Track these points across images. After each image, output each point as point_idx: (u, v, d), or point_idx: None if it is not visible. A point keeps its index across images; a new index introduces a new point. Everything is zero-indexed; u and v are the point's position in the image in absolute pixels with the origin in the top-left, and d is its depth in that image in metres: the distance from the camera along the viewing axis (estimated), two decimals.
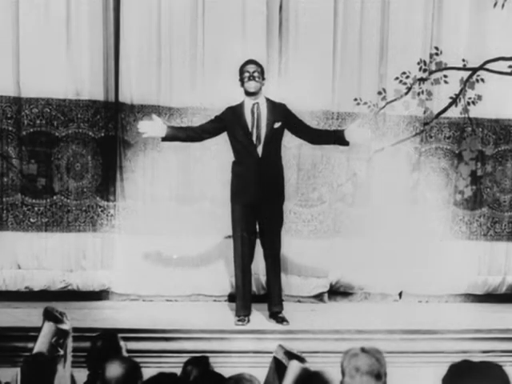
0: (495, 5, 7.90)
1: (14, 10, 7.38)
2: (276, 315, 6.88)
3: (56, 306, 5.27)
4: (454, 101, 7.94)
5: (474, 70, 7.92)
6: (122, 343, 4.81)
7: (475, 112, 7.98)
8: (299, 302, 7.59)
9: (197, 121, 7.18)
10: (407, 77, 7.85)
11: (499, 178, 8.07)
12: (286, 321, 6.84)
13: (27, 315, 6.14)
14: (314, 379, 4.26)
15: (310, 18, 7.72)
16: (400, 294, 7.95)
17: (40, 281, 7.47)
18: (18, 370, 4.51)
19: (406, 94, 7.87)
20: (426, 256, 7.75)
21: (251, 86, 6.77)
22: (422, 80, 7.88)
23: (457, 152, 7.99)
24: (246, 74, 6.79)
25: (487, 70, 7.93)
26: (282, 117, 6.81)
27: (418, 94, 7.89)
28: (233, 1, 7.64)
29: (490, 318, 7.37)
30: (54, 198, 7.56)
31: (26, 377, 4.42)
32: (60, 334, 5.01)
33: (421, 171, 7.92)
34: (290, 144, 7.17)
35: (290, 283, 7.49)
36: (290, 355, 4.55)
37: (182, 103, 7.57)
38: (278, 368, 4.61)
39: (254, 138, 6.74)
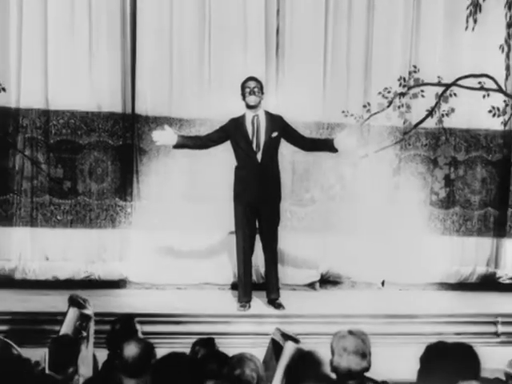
0: (466, 28, 7.89)
1: (43, 32, 7.37)
2: (273, 301, 6.90)
3: (79, 293, 5.31)
4: (430, 113, 7.94)
5: (448, 86, 7.92)
6: (137, 326, 4.81)
7: (449, 123, 7.98)
8: (294, 289, 7.58)
9: (204, 130, 7.16)
10: (389, 92, 7.85)
11: (470, 180, 8.07)
12: (283, 306, 6.86)
13: (54, 302, 6.14)
14: (306, 358, 4.26)
15: (303, 39, 7.76)
16: (383, 283, 7.94)
17: (65, 271, 7.48)
18: (46, 349, 4.50)
19: (388, 107, 7.86)
20: (406, 249, 7.75)
21: (252, 100, 6.77)
22: (401, 94, 7.88)
23: (432, 158, 8.00)
24: (247, 90, 6.79)
25: (459, 85, 7.92)
26: (279, 127, 6.81)
27: (399, 106, 7.88)
28: (236, 26, 7.64)
29: (462, 304, 7.39)
30: (78, 198, 7.56)
31: (53, 356, 4.41)
32: (83, 319, 5.01)
33: (401, 175, 7.93)
34: (286, 151, 7.14)
35: (286, 273, 7.46)
36: (286, 337, 4.55)
37: (190, 115, 7.57)
38: (275, 348, 4.61)
39: (254, 146, 6.75)
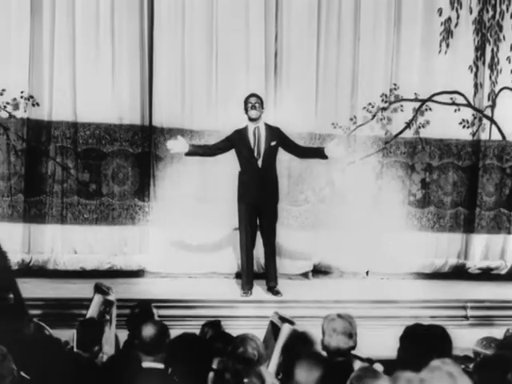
0: (440, 51, 7.89)
1: (72, 53, 7.37)
2: (272, 289, 6.89)
3: (103, 282, 5.33)
4: (408, 125, 7.94)
5: (424, 101, 7.92)
6: (154, 310, 4.81)
7: (424, 133, 7.97)
8: (290, 278, 7.55)
9: (212, 140, 7.14)
10: (372, 107, 7.84)
11: (443, 183, 8.05)
12: (280, 293, 6.85)
13: (81, 289, 6.14)
14: (301, 338, 4.27)
15: (298, 61, 7.74)
16: (367, 273, 7.91)
17: (91, 263, 7.46)
18: (75, 331, 4.51)
19: (372, 119, 7.85)
20: (387, 243, 7.74)
21: (253, 113, 6.78)
22: (383, 109, 7.87)
23: (410, 164, 7.98)
24: (249, 105, 6.80)
25: (434, 101, 7.93)
26: (277, 137, 6.81)
27: (381, 119, 7.88)
28: (239, 48, 7.63)
29: (436, 291, 7.39)
30: (102, 199, 7.55)
31: (81, 336, 4.42)
32: (107, 304, 5.02)
33: (383, 179, 7.91)
34: (283, 158, 7.13)
35: (283, 264, 7.44)
36: (283, 319, 4.56)
37: (200, 126, 7.55)
38: (274, 329, 4.61)
39: (255, 154, 6.74)
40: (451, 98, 7.96)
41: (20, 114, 7.32)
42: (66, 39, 7.39)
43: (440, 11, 7.89)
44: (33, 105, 7.36)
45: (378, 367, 3.55)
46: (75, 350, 4.36)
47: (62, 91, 7.41)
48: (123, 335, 4.74)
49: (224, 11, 7.60)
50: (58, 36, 7.37)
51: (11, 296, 5.18)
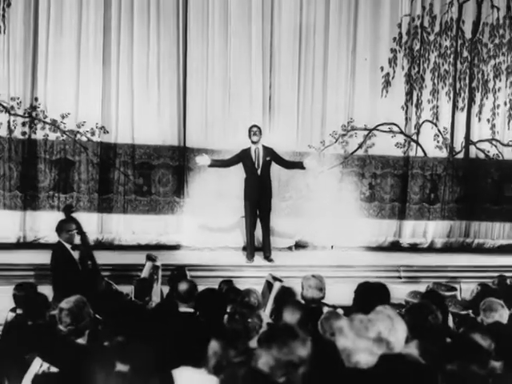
0: (381, 95, 7.88)
1: (130, 96, 7.33)
2: (267, 257, 6.89)
3: (152, 253, 5.32)
4: (360, 146, 7.92)
5: (370, 130, 7.91)
6: (186, 272, 4.81)
7: (371, 152, 7.93)
8: (279, 250, 7.49)
9: (226, 156, 7.10)
10: (335, 133, 7.82)
11: (383, 186, 8.03)
12: (273, 260, 6.85)
13: (138, 258, 6.12)
14: (287, 291, 4.27)
15: (284, 102, 7.70)
16: (332, 247, 7.87)
17: (144, 240, 7.45)
18: (133, 286, 4.51)
19: (335, 142, 7.83)
20: (346, 226, 7.70)
21: (254, 138, 6.79)
22: (343, 135, 7.86)
23: (361, 172, 7.95)
24: (252, 132, 6.82)
25: (377, 129, 7.91)
26: (270, 154, 6.82)
27: (341, 142, 7.86)
28: (245, 92, 7.57)
29: (380, 259, 7.36)
30: (152, 196, 7.54)
31: (137, 290, 4.42)
32: (155, 268, 5.03)
33: (343, 182, 7.88)
34: (275, 168, 7.10)
35: (275, 240, 7.38)
36: (275, 279, 4.57)
37: (218, 147, 7.51)
38: (268, 285, 4.62)
39: (256, 166, 6.77)
40: (389, 128, 7.94)
41: (95, 138, 7.31)
42: (127, 86, 7.37)
43: (382, 68, 7.87)
44: (104, 132, 7.35)
45: (340, 311, 3.57)
46: (133, 299, 4.37)
47: (123, 123, 7.41)
48: (166, 289, 4.75)
49: (235, 63, 7.55)
50: (121, 84, 7.36)
51: (89, 263, 5.20)
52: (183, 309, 3.72)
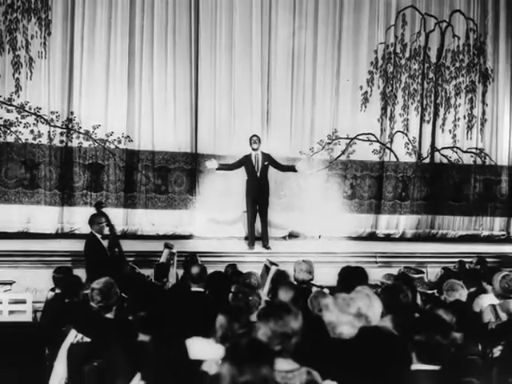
0: (361, 110, 7.86)
1: (150, 110, 7.30)
2: (265, 245, 6.85)
3: (169, 241, 5.31)
4: (343, 152, 7.89)
5: (352, 139, 7.88)
6: (198, 258, 4.81)
7: (352, 157, 7.89)
8: (275, 239, 7.44)
9: (231, 161, 7.06)
10: (322, 142, 7.79)
11: (362, 186, 8.01)
12: (270, 248, 6.82)
13: (157, 246, 6.12)
14: (282, 274, 4.26)
15: (279, 116, 7.65)
16: (319, 236, 7.83)
17: (162, 231, 7.39)
18: (153, 269, 4.50)
19: (322, 149, 7.81)
20: (332, 219, 7.65)
21: (254, 146, 6.76)
22: (328, 143, 7.84)
23: (344, 174, 7.91)
24: (252, 140, 6.79)
25: (357, 139, 7.89)
26: (268, 159, 6.80)
27: (327, 149, 7.84)
28: (245, 106, 7.53)
29: (359, 247, 7.31)
30: (169, 194, 7.48)
31: (156, 272, 4.42)
32: (171, 254, 5.03)
33: (329, 183, 7.85)
34: (272, 171, 7.08)
35: (272, 231, 7.33)
36: (271, 263, 4.56)
37: (224, 153, 7.46)
38: (266, 269, 4.61)
39: (256, 169, 6.74)
40: (367, 137, 7.91)
41: (122, 146, 7.27)
42: (148, 102, 7.31)
43: (361, 87, 7.85)
44: (129, 141, 7.32)
45: (326, 291, 3.56)
46: (153, 281, 4.36)
47: (145, 133, 7.35)
48: (180, 272, 4.74)
49: (238, 83, 7.49)
50: (143, 100, 7.29)
51: (116, 250, 5.20)
52: (195, 289, 3.72)
